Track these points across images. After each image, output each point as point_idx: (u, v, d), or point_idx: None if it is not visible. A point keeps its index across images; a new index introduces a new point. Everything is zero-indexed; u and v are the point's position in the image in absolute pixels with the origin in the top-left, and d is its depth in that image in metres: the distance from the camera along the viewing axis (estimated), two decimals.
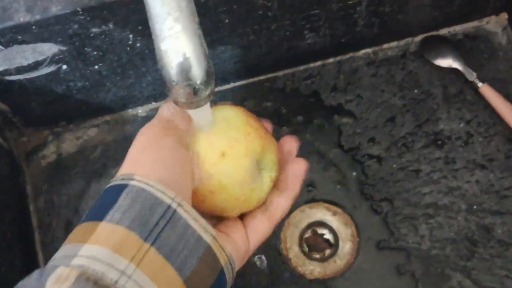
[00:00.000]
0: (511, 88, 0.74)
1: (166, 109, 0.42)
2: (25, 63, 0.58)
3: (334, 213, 0.71)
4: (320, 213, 0.71)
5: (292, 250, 0.70)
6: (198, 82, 0.35)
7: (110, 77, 0.65)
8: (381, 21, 0.71)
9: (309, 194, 0.72)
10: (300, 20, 0.66)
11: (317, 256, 0.70)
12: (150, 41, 0.45)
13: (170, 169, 0.38)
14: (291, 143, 0.49)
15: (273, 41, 0.68)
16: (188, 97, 0.36)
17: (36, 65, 0.59)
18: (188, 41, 0.35)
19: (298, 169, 0.47)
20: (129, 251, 0.34)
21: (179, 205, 0.36)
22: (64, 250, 0.35)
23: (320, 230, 0.71)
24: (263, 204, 0.45)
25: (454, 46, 0.76)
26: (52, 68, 0.60)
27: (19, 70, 0.59)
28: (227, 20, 0.61)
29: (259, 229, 0.44)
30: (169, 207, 0.36)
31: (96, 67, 0.62)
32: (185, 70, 0.35)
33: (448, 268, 0.69)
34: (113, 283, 0.32)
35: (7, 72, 0.58)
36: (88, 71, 0.62)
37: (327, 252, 0.70)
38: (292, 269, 0.70)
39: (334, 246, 0.70)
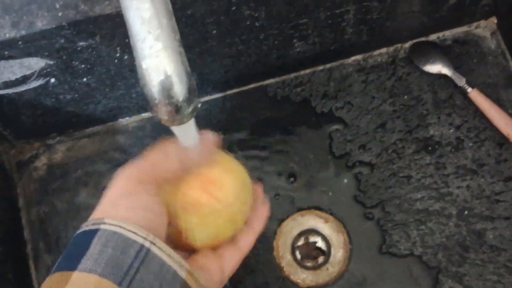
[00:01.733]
0: (501, 92, 0.75)
1: (151, 153, 0.43)
2: (13, 78, 0.58)
3: (326, 221, 0.71)
4: (312, 220, 0.71)
5: (285, 258, 0.70)
6: (180, 99, 0.36)
7: (99, 89, 0.65)
8: (370, 28, 0.71)
9: (300, 202, 0.72)
10: (288, 29, 0.66)
11: (310, 264, 0.70)
12: None
13: (144, 212, 0.39)
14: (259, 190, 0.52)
15: (262, 50, 0.68)
16: (171, 115, 0.36)
17: (24, 79, 0.59)
18: (169, 59, 0.35)
19: (264, 211, 0.51)
20: None
21: (152, 243, 0.36)
22: None
23: (312, 238, 0.71)
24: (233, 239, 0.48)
25: (443, 51, 0.76)
26: (40, 82, 0.60)
27: (7, 84, 0.59)
28: (214, 31, 0.61)
29: (231, 260, 0.46)
30: (142, 247, 0.36)
31: (85, 79, 0.62)
32: (166, 88, 0.35)
33: (440, 274, 0.69)
34: None
35: None
36: (77, 84, 0.63)
37: (320, 259, 0.71)
38: (285, 278, 0.70)
39: (326, 253, 0.70)
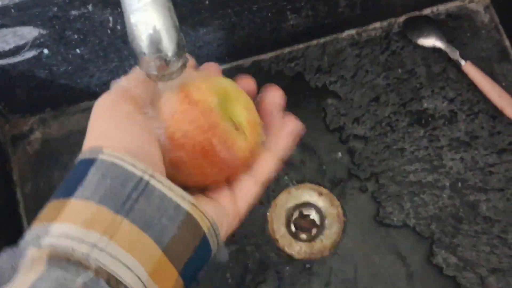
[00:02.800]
0: (494, 65, 0.75)
1: (122, 80, 0.41)
2: (6, 48, 0.58)
3: (320, 194, 0.71)
4: (306, 194, 0.72)
5: (279, 231, 0.71)
6: (169, 54, 0.36)
7: (93, 61, 0.65)
8: (363, 1, 0.71)
9: (295, 176, 0.72)
10: (281, 1, 0.66)
11: (304, 236, 0.71)
12: None
13: (137, 138, 0.37)
14: (274, 96, 0.45)
15: (255, 23, 0.68)
16: (160, 70, 0.36)
17: (17, 50, 0.59)
18: (157, 13, 0.35)
19: (287, 126, 0.44)
20: (100, 225, 0.33)
21: (151, 176, 0.36)
22: (34, 230, 0.34)
23: (307, 211, 0.72)
24: (247, 167, 0.43)
25: (437, 25, 0.76)
26: (33, 53, 0.60)
27: (1, 55, 0.59)
28: (207, 2, 0.61)
29: (246, 192, 0.42)
30: (141, 179, 0.35)
31: (78, 50, 0.62)
32: (155, 42, 0.35)
33: (434, 245, 0.69)
34: (85, 257, 0.32)
35: None
36: (70, 55, 0.63)
37: (314, 232, 0.71)
38: (280, 250, 0.70)
39: (320, 226, 0.71)
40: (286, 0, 0.66)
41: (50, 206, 0.35)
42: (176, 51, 0.36)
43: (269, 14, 0.67)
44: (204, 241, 0.37)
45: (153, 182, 0.35)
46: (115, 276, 0.32)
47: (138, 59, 0.36)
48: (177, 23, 0.37)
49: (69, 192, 0.34)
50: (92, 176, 0.35)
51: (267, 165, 0.43)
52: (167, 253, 0.35)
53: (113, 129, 0.38)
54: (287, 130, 0.44)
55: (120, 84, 0.41)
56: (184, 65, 0.37)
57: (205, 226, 0.37)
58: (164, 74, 0.37)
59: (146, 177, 0.35)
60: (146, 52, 0.36)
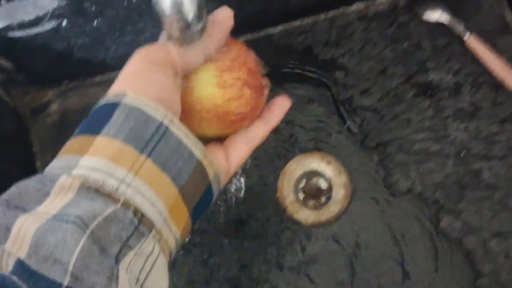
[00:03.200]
0: (497, 38, 0.77)
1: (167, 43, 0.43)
2: (26, 18, 0.60)
3: (328, 162, 0.74)
4: (314, 162, 0.74)
5: (288, 198, 0.73)
6: (191, 16, 0.38)
7: (109, 34, 0.68)
8: None
9: (303, 144, 0.75)
10: None
11: (312, 203, 0.73)
12: None
13: (162, 91, 0.40)
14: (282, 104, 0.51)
15: None
16: (182, 31, 0.39)
17: (37, 20, 0.61)
18: None
19: (281, 102, 0.50)
20: (126, 161, 0.36)
21: (171, 121, 0.38)
22: (62, 160, 0.37)
23: (315, 179, 0.74)
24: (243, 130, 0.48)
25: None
26: (53, 24, 0.62)
27: (22, 26, 0.62)
28: None
29: (238, 151, 0.47)
30: (161, 123, 0.38)
31: (95, 23, 0.65)
32: (177, 4, 0.37)
33: (439, 211, 0.72)
34: (114, 190, 0.34)
35: (10, 28, 0.61)
36: (88, 27, 0.65)
37: (322, 199, 0.73)
38: (288, 216, 0.73)
39: (328, 194, 0.73)
40: None
41: (76, 141, 0.38)
42: (197, 14, 0.38)
43: None
44: (209, 187, 0.41)
45: (172, 127, 0.38)
46: (140, 209, 0.35)
47: (161, 21, 0.39)
48: None
49: (95, 130, 0.37)
50: (117, 117, 0.37)
51: (261, 133, 0.48)
52: (182, 193, 0.38)
53: (141, 79, 0.40)
54: (282, 106, 0.51)
55: (163, 45, 0.43)
56: (204, 28, 0.40)
57: (211, 174, 0.40)
58: (186, 36, 0.39)
59: (166, 122, 0.38)
60: (168, 14, 0.38)
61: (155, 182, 0.36)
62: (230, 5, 0.68)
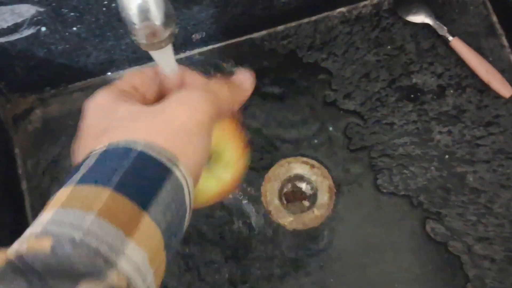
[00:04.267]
0: (481, 41, 0.77)
1: (128, 75, 0.41)
2: (4, 26, 0.60)
3: (312, 167, 0.73)
4: (298, 167, 0.74)
5: (272, 203, 0.73)
6: (158, 23, 0.38)
7: (90, 40, 0.67)
8: None
9: (287, 149, 0.74)
10: None
11: (296, 208, 0.73)
12: None
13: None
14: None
15: (247, 1, 0.70)
16: (149, 38, 0.38)
17: (16, 27, 0.61)
18: None
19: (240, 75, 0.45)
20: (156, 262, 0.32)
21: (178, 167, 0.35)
22: (100, 225, 0.30)
23: (299, 184, 0.74)
24: None
25: (426, 2, 0.78)
26: (31, 30, 0.62)
27: (0, 33, 0.61)
28: None
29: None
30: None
31: (75, 28, 0.64)
32: (144, 11, 0.37)
33: (423, 215, 0.71)
34: None
35: None
36: (67, 33, 0.65)
37: (306, 204, 0.73)
38: (273, 221, 0.72)
39: (312, 198, 0.73)
40: None
41: (117, 200, 0.31)
42: (164, 20, 0.38)
43: None
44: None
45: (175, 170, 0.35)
46: None
47: (128, 28, 0.38)
48: None
49: (143, 198, 0.32)
50: (167, 194, 0.33)
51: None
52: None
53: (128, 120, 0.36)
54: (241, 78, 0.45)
55: (123, 81, 0.41)
56: (172, 34, 0.39)
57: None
58: (153, 42, 0.39)
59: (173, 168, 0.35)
60: (135, 21, 0.37)
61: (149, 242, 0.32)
62: (214, 9, 0.68)
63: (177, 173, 0.34)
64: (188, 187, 0.35)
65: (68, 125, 0.77)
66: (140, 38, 0.38)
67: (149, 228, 0.31)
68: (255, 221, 0.72)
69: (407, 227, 0.71)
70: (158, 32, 0.38)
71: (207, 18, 0.71)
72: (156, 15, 0.37)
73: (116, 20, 0.65)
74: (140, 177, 0.33)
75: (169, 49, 0.40)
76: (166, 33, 0.38)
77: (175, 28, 0.39)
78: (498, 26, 0.77)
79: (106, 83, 0.76)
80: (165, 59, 0.42)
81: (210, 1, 0.67)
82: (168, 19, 0.38)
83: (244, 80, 0.44)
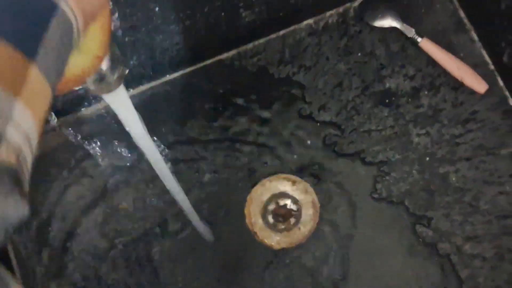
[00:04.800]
0: (451, 37, 0.76)
1: None
2: None
3: (294, 183, 0.73)
4: (280, 185, 0.73)
5: (257, 224, 0.72)
6: (104, 68, 0.37)
7: None
8: None
9: (268, 168, 0.74)
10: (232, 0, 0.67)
11: (282, 226, 0.72)
12: None
13: None
14: None
15: (210, 24, 0.70)
16: (97, 84, 0.38)
17: None
18: None
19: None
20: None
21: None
22: None
23: (283, 201, 0.73)
24: None
25: (391, 5, 0.77)
26: None
27: None
28: (157, 9, 0.62)
29: None
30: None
31: None
32: None
33: (409, 220, 0.71)
34: None
35: None
36: None
37: (292, 220, 0.72)
38: (259, 242, 0.72)
39: (297, 214, 0.72)
40: None
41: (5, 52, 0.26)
42: (110, 65, 0.37)
43: (223, 14, 0.69)
44: None
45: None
46: None
47: None
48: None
49: (29, 46, 0.27)
50: (52, 34, 0.28)
51: None
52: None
53: None
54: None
55: None
56: (121, 77, 0.39)
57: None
58: (102, 87, 0.38)
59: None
60: None
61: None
62: (178, 35, 0.68)
63: (65, 7, 0.28)
64: (78, 28, 0.29)
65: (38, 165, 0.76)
66: (89, 83, 0.38)
67: (37, 82, 0.26)
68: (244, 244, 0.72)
69: (395, 233, 0.71)
70: (106, 76, 0.37)
71: (173, 45, 0.70)
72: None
73: None
74: (20, 16, 0.26)
75: (121, 91, 0.40)
76: (114, 77, 0.38)
77: (123, 70, 0.39)
78: (466, 21, 0.77)
79: (81, 121, 0.76)
80: (120, 102, 0.41)
81: (172, 29, 0.67)
82: (114, 63, 0.37)
83: None
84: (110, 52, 0.37)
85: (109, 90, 0.39)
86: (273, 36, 0.78)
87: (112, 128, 0.74)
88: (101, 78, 0.37)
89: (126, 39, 0.64)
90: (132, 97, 0.75)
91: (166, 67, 0.75)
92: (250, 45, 0.78)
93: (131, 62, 0.69)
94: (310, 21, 0.78)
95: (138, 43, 0.66)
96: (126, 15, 0.60)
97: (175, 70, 0.77)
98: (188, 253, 0.72)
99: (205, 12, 0.67)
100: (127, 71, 0.40)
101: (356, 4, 0.78)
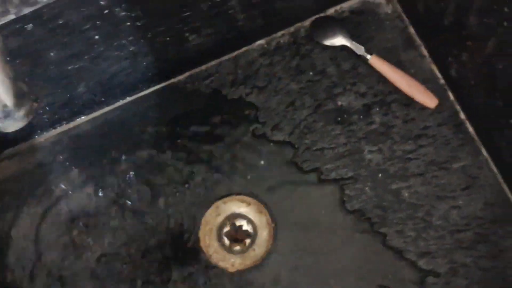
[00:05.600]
0: (401, 54, 0.76)
1: None
2: None
3: (248, 204, 0.73)
4: (234, 206, 0.73)
5: (212, 246, 0.72)
6: (9, 104, 0.37)
7: None
8: (262, 12, 0.73)
9: (221, 190, 0.74)
10: (176, 24, 0.67)
11: (237, 248, 0.72)
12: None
13: None
14: None
15: (157, 49, 0.70)
16: (2, 120, 0.38)
17: None
18: None
19: None
20: None
21: None
22: None
23: (237, 222, 0.73)
24: None
25: (341, 24, 0.78)
26: None
27: None
28: (97, 37, 0.62)
29: None
30: None
31: None
32: None
33: (363, 238, 0.70)
34: None
35: None
36: None
37: (247, 242, 0.72)
38: (213, 266, 0.71)
39: (252, 235, 0.72)
40: (181, 23, 0.67)
41: None
42: (15, 102, 0.37)
43: (168, 38, 0.69)
44: None
45: None
46: None
47: None
48: (11, 74, 0.38)
49: None
50: None
51: None
52: None
53: None
54: None
55: None
56: (29, 113, 0.39)
57: None
58: (8, 125, 0.38)
59: None
60: None
61: None
62: (124, 61, 0.68)
63: None
64: None
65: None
66: None
67: None
68: (198, 268, 0.71)
69: (350, 252, 0.70)
70: (11, 114, 0.37)
71: (120, 71, 0.71)
72: (5, 98, 0.37)
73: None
74: None
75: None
76: (20, 113, 0.38)
77: (33, 105, 0.39)
78: (416, 37, 0.77)
79: (34, 148, 0.76)
80: None
81: (117, 55, 0.67)
82: (19, 99, 0.37)
83: None
84: (14, 89, 0.37)
85: (16, 126, 0.39)
86: (225, 57, 0.79)
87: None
88: (6, 115, 0.37)
89: (70, 67, 0.65)
90: (86, 123, 0.75)
91: (117, 93, 0.76)
92: (203, 67, 0.78)
93: (79, 89, 0.69)
94: (262, 41, 0.79)
95: (83, 71, 0.66)
96: (65, 44, 0.60)
97: (127, 95, 0.77)
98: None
99: (150, 38, 0.67)
100: (35, 106, 0.40)
101: (306, 23, 0.79)
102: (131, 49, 0.67)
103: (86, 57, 0.64)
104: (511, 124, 0.64)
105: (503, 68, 0.63)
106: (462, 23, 0.66)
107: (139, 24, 0.64)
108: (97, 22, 0.60)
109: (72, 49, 0.62)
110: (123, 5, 0.59)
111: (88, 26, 0.60)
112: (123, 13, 0.61)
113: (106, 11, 0.58)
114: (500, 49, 0.62)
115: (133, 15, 0.62)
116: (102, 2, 0.56)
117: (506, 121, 0.66)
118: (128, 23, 0.63)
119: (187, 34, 0.70)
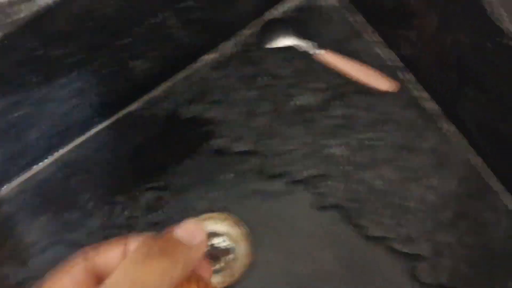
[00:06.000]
0: (353, 44, 0.76)
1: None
2: None
3: (224, 219, 0.71)
4: (210, 223, 0.72)
5: None
6: None
7: None
8: (203, 25, 0.72)
9: (194, 209, 0.72)
10: (117, 53, 0.66)
11: (217, 266, 0.71)
12: None
13: None
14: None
15: (103, 80, 0.69)
16: None
17: None
18: None
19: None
20: None
21: None
22: None
23: (215, 240, 0.72)
24: None
25: (289, 24, 0.77)
26: None
27: None
28: (35, 79, 0.61)
29: None
30: None
31: None
32: None
33: (343, 233, 0.69)
34: None
35: None
36: None
37: (225, 259, 0.71)
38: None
39: (230, 251, 0.71)
40: (122, 51, 0.66)
41: None
42: None
43: (112, 68, 0.68)
44: None
45: None
46: None
47: None
48: None
49: None
50: None
51: None
52: None
53: None
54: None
55: None
56: None
57: None
58: None
59: None
60: None
61: None
62: (73, 97, 0.67)
63: None
64: None
65: None
66: None
67: None
68: None
69: (332, 250, 0.69)
70: None
71: (71, 107, 0.69)
72: None
73: None
74: None
75: None
76: None
77: None
78: (366, 24, 0.76)
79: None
80: None
81: (63, 93, 0.66)
82: None
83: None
84: None
85: None
86: (178, 77, 0.77)
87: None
88: None
89: (16, 114, 0.63)
90: (45, 169, 0.74)
91: (75, 131, 0.75)
92: (157, 90, 0.77)
93: (31, 136, 0.68)
94: (211, 55, 0.78)
95: (30, 116, 0.65)
96: (4, 93, 0.59)
97: (86, 131, 0.76)
98: None
99: (92, 71, 0.66)
100: None
101: (255, 30, 0.78)
102: (76, 85, 0.66)
103: (28, 102, 0.63)
104: (470, 95, 0.63)
105: (451, 42, 0.62)
106: (404, 3, 0.65)
107: (75, 60, 0.62)
108: (32, 66, 0.59)
109: (13, 97, 0.61)
110: (52, 43, 0.58)
111: (23, 71, 0.59)
112: (56, 52, 0.59)
113: (37, 53, 0.57)
114: (445, 23, 0.61)
115: (67, 51, 0.60)
116: (28, 45, 0.55)
117: (464, 93, 0.65)
118: (65, 61, 0.62)
119: (131, 61, 0.69)
